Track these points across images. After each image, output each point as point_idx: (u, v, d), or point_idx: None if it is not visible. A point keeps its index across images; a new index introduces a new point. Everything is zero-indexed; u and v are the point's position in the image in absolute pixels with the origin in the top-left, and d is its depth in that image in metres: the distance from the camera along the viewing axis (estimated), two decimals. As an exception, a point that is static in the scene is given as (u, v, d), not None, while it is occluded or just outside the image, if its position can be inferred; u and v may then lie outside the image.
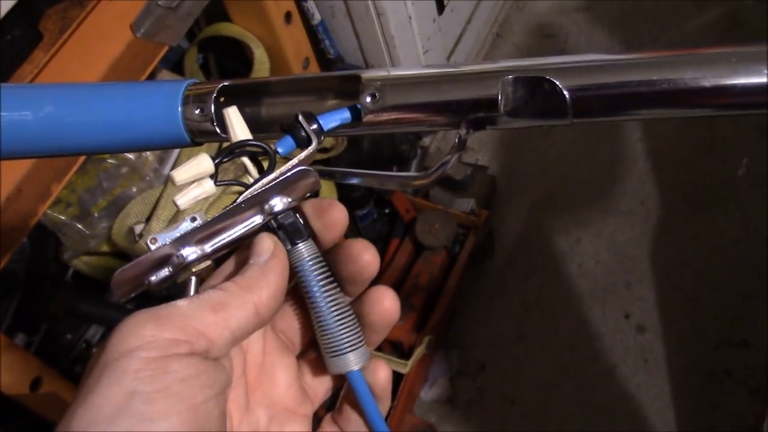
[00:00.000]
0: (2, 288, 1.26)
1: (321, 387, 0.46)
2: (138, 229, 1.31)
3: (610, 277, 1.83)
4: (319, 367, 0.46)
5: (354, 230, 1.77)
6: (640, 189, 1.94)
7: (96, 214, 1.31)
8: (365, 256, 0.41)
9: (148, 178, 1.33)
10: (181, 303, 0.37)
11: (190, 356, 0.35)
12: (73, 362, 1.36)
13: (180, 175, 0.39)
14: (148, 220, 1.31)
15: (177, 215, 1.28)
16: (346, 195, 1.65)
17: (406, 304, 1.67)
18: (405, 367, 1.58)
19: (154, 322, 0.35)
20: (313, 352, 0.47)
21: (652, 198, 1.92)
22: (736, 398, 1.62)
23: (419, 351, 1.60)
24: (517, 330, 1.82)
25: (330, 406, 0.49)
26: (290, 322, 0.46)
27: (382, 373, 0.43)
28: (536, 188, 2.03)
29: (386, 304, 0.43)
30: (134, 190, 1.33)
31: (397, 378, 1.58)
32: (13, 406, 1.08)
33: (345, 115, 0.41)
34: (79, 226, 1.31)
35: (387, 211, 1.79)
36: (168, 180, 1.33)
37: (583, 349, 1.75)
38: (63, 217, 1.29)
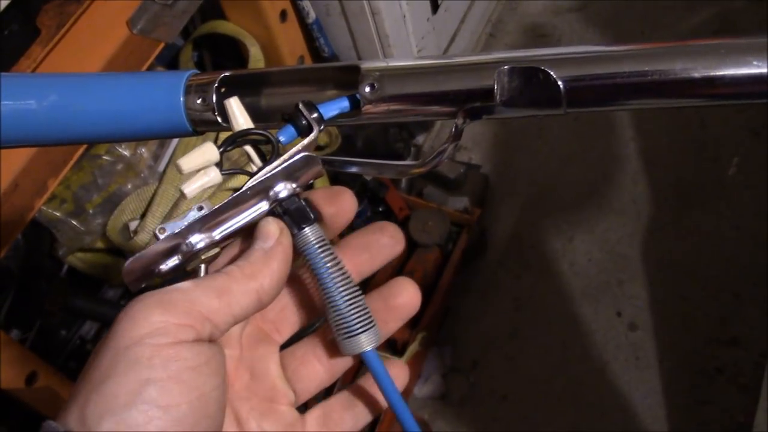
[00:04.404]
0: (-3, 284, 1.27)
1: (306, 381, 0.46)
2: (133, 225, 1.31)
3: (602, 275, 1.85)
4: (307, 362, 0.46)
5: (348, 228, 1.77)
6: (631, 188, 1.95)
7: (91, 211, 1.32)
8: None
9: (143, 175, 1.34)
10: (185, 287, 0.37)
11: (199, 343, 0.36)
12: (68, 358, 1.36)
13: (186, 163, 0.39)
14: (143, 216, 1.31)
15: (172, 211, 1.28)
16: (339, 192, 1.66)
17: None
18: (398, 364, 1.58)
19: (161, 307, 0.35)
20: (302, 346, 0.47)
21: (643, 197, 1.93)
22: (726, 395, 1.63)
23: (413, 348, 1.61)
24: (509, 327, 1.83)
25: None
26: (281, 312, 0.46)
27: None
28: (529, 187, 2.04)
29: (404, 297, 0.45)
30: (129, 186, 1.33)
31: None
32: (9, 400, 1.09)
33: (344, 104, 0.41)
34: (74, 222, 1.31)
35: (381, 209, 1.79)
36: (163, 177, 1.33)
37: (575, 346, 1.76)
38: (58, 214, 1.29)
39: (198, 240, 0.40)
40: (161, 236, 0.39)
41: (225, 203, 0.39)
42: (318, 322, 0.46)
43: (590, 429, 1.65)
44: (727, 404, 1.62)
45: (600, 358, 1.74)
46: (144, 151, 1.33)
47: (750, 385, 1.61)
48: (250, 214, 0.41)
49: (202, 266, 0.41)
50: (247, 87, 0.43)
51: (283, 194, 0.41)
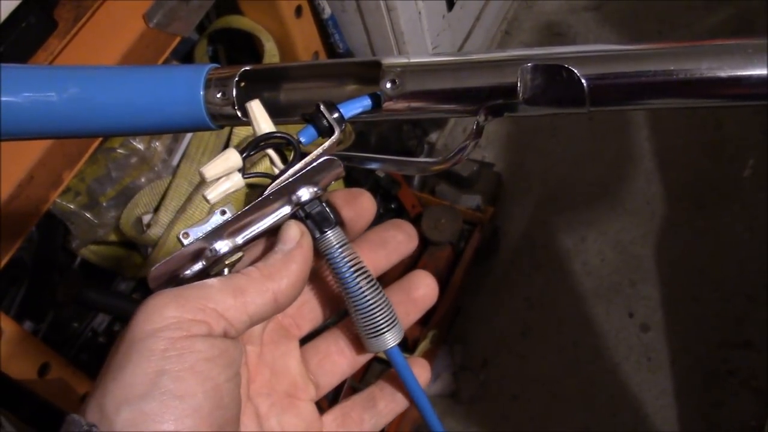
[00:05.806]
0: (10, 275, 1.27)
1: (329, 374, 0.47)
2: (146, 219, 1.32)
3: (614, 275, 1.84)
4: (330, 355, 0.47)
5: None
6: (645, 188, 1.94)
7: (104, 204, 1.32)
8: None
9: (156, 169, 1.34)
10: (201, 285, 0.38)
11: (212, 337, 0.36)
12: (80, 350, 1.36)
13: (210, 171, 0.39)
14: (156, 210, 1.31)
15: (185, 205, 1.28)
16: (352, 189, 1.65)
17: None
18: (409, 362, 1.58)
19: (176, 302, 0.36)
20: (324, 339, 0.47)
21: (657, 197, 1.92)
22: (738, 398, 1.62)
23: (423, 345, 1.61)
24: (520, 326, 1.83)
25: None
26: (300, 308, 0.46)
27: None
28: (542, 186, 2.03)
29: (423, 289, 0.47)
30: (143, 180, 1.34)
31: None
32: (21, 391, 1.09)
33: (366, 102, 0.41)
34: (88, 215, 1.31)
35: (393, 206, 1.79)
36: (176, 171, 1.34)
37: (587, 346, 1.76)
38: (72, 206, 1.29)
39: (222, 246, 0.40)
40: (185, 241, 0.39)
41: (248, 208, 0.40)
42: (336, 318, 0.47)
43: (601, 429, 1.65)
44: (739, 407, 1.61)
45: (611, 358, 1.73)
46: (158, 144, 1.33)
47: (762, 388, 1.60)
48: (272, 218, 0.41)
49: (225, 270, 0.41)
50: (268, 82, 0.43)
51: (305, 198, 0.41)
